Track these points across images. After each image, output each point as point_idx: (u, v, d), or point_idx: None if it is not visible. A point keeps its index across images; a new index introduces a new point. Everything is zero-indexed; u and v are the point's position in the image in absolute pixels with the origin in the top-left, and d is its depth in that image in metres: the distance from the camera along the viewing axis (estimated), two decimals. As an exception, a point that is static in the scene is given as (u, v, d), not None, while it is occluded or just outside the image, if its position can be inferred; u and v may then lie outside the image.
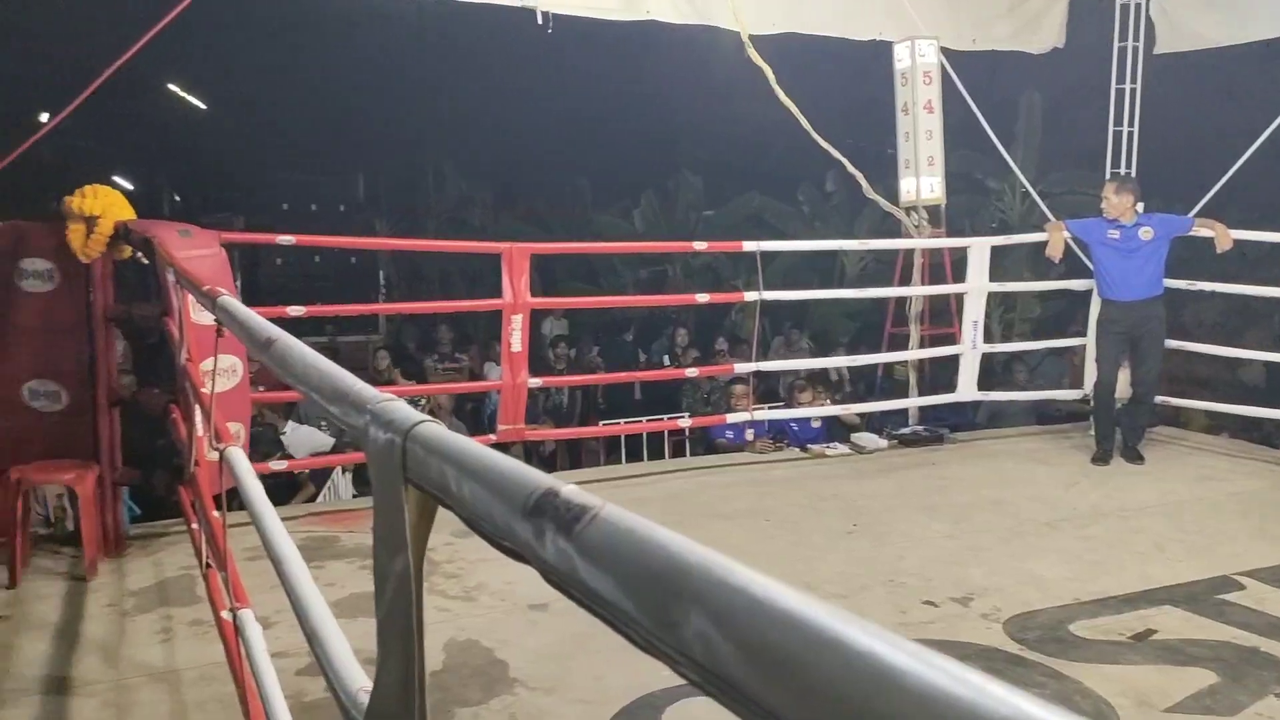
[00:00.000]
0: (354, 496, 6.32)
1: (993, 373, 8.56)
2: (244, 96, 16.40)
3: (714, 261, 13.93)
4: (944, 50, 7.07)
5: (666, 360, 10.59)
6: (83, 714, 3.07)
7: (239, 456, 2.39)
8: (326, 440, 6.55)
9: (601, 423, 8.58)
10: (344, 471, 6.43)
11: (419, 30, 13.93)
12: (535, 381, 5.99)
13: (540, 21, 6.29)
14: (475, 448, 0.87)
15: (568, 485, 0.71)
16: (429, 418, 1.01)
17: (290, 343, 1.57)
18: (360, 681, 1.26)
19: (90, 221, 4.11)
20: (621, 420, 8.23)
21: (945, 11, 7.40)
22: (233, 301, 2.14)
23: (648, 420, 7.89)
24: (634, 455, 8.04)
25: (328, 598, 1.66)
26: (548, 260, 14.31)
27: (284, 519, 2.07)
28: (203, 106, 17.42)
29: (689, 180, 15.01)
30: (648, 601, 0.55)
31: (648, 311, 12.95)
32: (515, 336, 5.49)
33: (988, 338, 7.29)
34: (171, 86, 16.30)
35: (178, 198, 19.30)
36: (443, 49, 14.74)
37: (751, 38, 6.64)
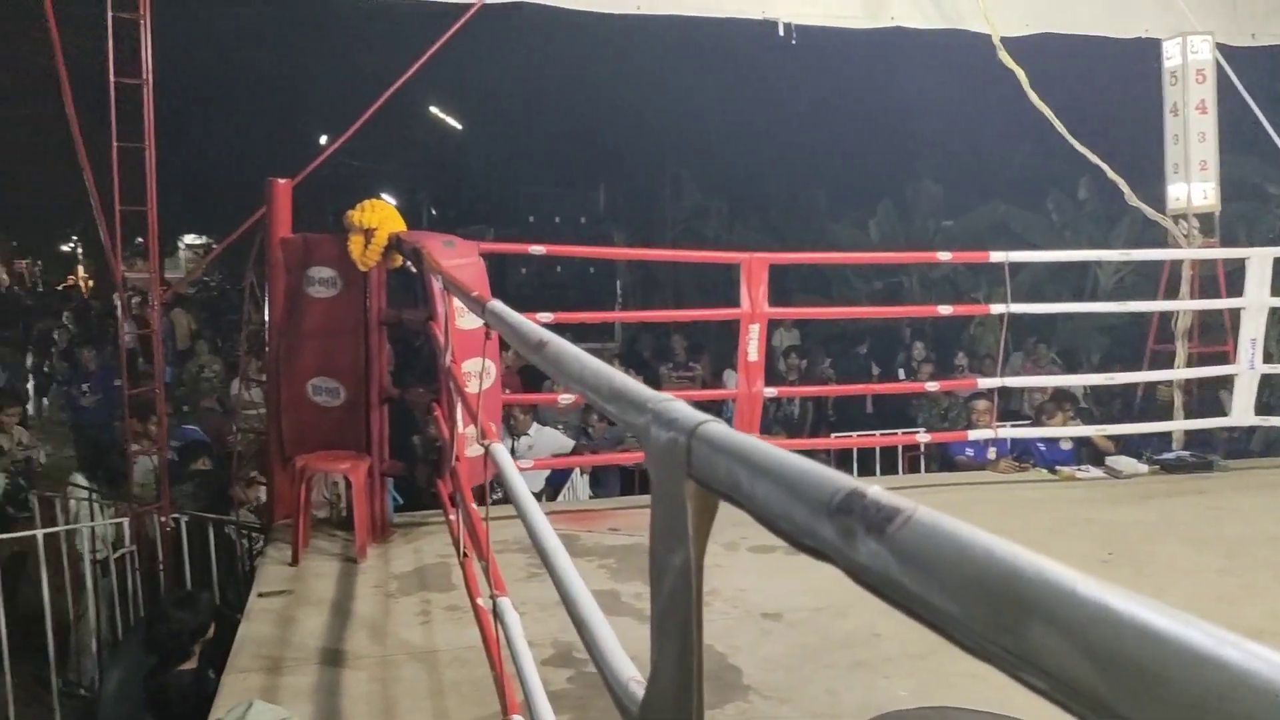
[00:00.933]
0: (590, 498, 6.54)
1: (1271, 396, 7.78)
2: (496, 117, 17.46)
3: (952, 273, 13.44)
4: (1219, 46, 6.53)
5: (901, 374, 10.30)
6: (355, 685, 3.34)
7: (502, 452, 2.52)
8: (567, 442, 6.82)
9: (833, 435, 8.43)
10: (582, 473, 6.66)
11: (659, 46, 14.29)
12: (770, 391, 5.98)
13: (782, 33, 6.31)
14: (766, 447, 0.87)
15: (873, 486, 0.70)
16: (712, 417, 1.02)
17: (563, 345, 1.62)
18: (630, 672, 1.30)
19: (368, 233, 4.47)
20: (854, 434, 8.05)
21: (1220, 5, 6.86)
22: (501, 306, 2.24)
23: (881, 434, 7.68)
24: (865, 469, 7.85)
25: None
26: (779, 270, 14.23)
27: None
28: (459, 127, 18.66)
29: (928, 189, 14.55)
30: (978, 607, 0.54)
31: (880, 324, 12.64)
32: (752, 346, 5.51)
33: (1267, 358, 6.63)
34: (433, 109, 17.56)
35: (435, 211, 20.79)
36: (682, 63, 15.05)
37: (1002, 40, 6.38)
